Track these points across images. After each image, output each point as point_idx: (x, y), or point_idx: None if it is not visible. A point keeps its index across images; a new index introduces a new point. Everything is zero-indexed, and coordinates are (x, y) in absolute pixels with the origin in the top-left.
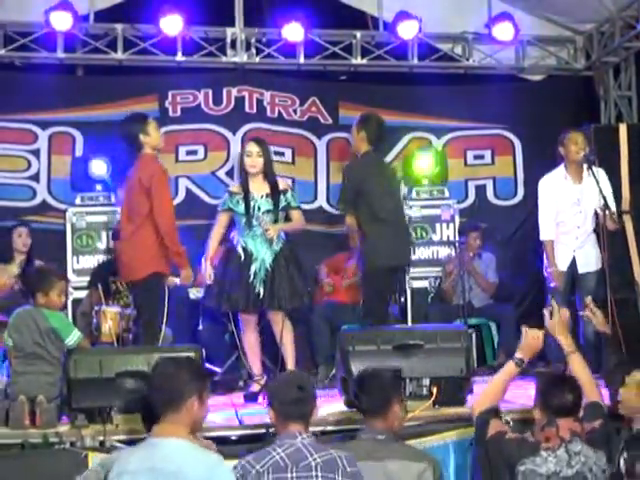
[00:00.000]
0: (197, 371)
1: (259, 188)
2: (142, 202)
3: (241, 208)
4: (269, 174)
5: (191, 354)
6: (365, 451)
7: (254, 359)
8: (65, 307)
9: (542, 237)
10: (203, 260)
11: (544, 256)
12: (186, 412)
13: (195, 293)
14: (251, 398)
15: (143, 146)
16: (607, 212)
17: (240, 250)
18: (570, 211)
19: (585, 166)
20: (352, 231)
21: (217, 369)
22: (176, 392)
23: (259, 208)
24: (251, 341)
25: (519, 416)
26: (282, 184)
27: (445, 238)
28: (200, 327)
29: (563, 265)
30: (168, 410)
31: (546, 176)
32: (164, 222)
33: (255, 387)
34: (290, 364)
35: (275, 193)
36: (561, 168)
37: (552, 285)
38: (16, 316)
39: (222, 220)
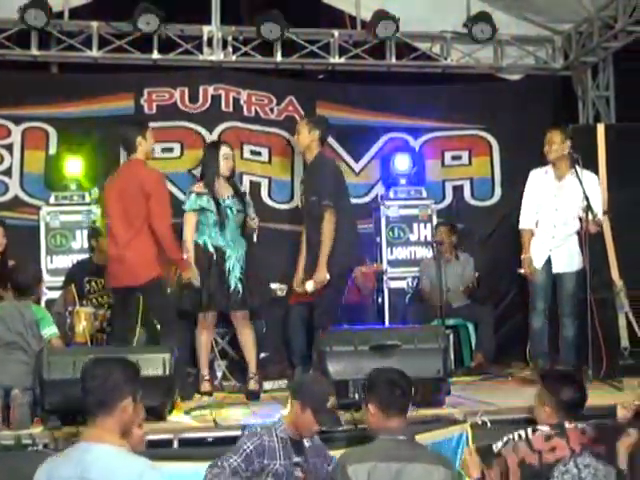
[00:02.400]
0: (131, 371)
1: (224, 189)
2: (141, 207)
3: (213, 207)
4: (231, 177)
5: (166, 355)
6: (385, 452)
7: (205, 358)
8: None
9: (520, 226)
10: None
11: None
12: (119, 415)
13: None
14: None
15: (136, 150)
16: (589, 214)
17: (211, 249)
18: (547, 207)
19: (568, 164)
20: (328, 229)
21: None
22: (108, 394)
23: (230, 208)
24: (204, 341)
25: (499, 417)
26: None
27: (422, 238)
28: None
29: (538, 262)
30: (99, 413)
31: (535, 169)
32: (163, 229)
33: (206, 385)
34: (252, 366)
35: (238, 194)
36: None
37: (520, 271)
38: (1, 308)
39: (192, 221)
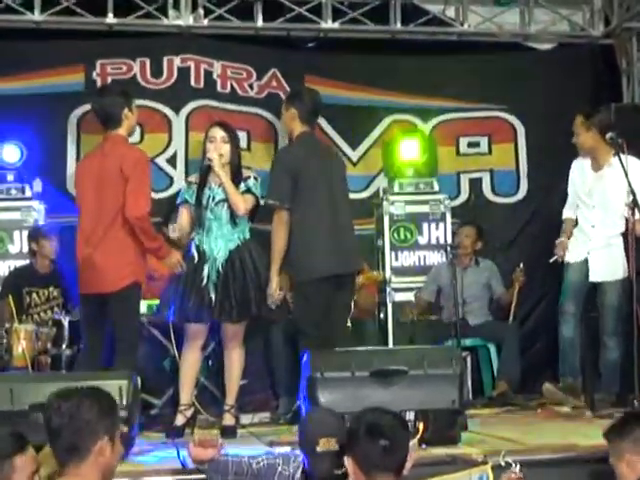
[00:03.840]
0: (105, 405)
1: (215, 177)
2: (119, 195)
3: (194, 199)
4: (233, 165)
5: (123, 382)
6: None
7: (187, 383)
8: None
9: (563, 215)
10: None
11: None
12: (94, 460)
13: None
14: (175, 434)
15: (121, 125)
16: (636, 212)
17: (194, 250)
18: (584, 204)
19: (607, 152)
20: (275, 235)
21: (155, 400)
22: (79, 436)
23: (213, 198)
24: (190, 360)
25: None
26: (245, 173)
27: (434, 241)
28: None
29: (572, 258)
30: (70, 459)
31: (576, 159)
32: (140, 219)
33: (180, 419)
34: (230, 397)
35: (235, 180)
36: None
37: (555, 258)
38: None
39: (184, 216)
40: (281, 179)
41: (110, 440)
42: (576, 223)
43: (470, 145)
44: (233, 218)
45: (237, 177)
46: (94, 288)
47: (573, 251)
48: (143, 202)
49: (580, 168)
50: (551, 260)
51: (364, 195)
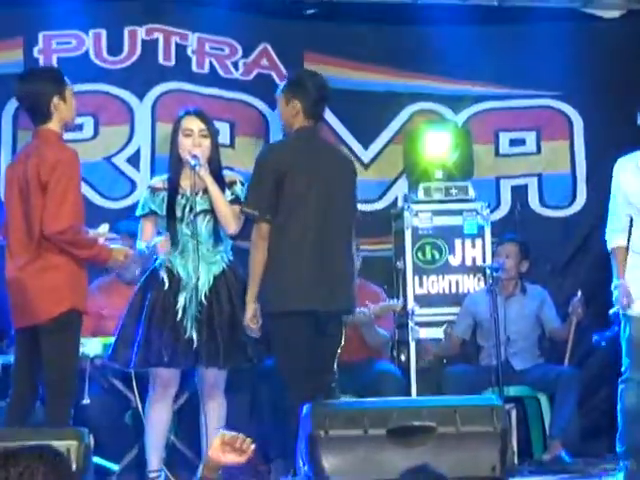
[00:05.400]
0: (65, 474)
1: (189, 180)
2: (41, 207)
3: (164, 210)
4: (213, 166)
5: (71, 442)
6: None
7: (155, 445)
8: None
9: (608, 243)
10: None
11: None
12: None
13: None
14: None
15: (50, 117)
16: None
17: (163, 274)
18: None
19: None
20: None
21: (113, 465)
22: None
23: (191, 208)
24: (158, 415)
25: None
26: (230, 178)
27: (469, 262)
28: (85, 401)
29: (637, 309)
30: None
31: (621, 159)
32: (63, 232)
33: None
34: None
35: (219, 186)
36: None
37: (616, 308)
38: None
39: (147, 228)
40: (262, 183)
41: None
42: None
43: (513, 143)
44: (216, 234)
45: (219, 183)
46: (26, 319)
47: (635, 290)
48: (65, 212)
49: (628, 171)
50: (611, 311)
51: (378, 206)
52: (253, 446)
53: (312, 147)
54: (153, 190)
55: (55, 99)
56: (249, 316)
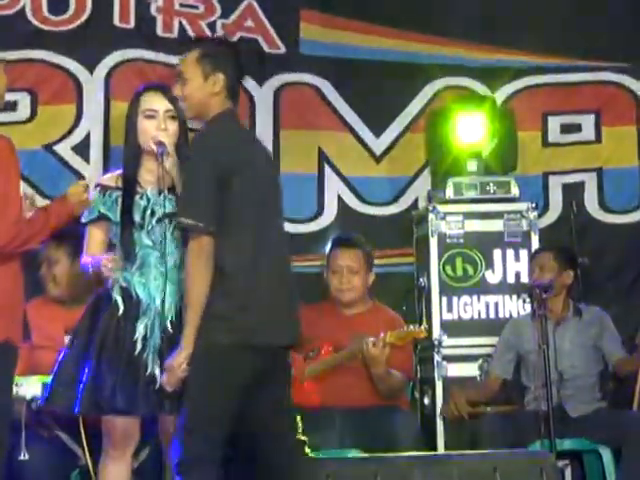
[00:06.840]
0: None
1: (150, 176)
2: None
3: (118, 215)
4: (183, 151)
5: None
6: None
7: None
8: None
9: None
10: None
11: None
12: None
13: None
14: None
15: None
16: None
17: (117, 295)
18: None
19: None
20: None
21: None
22: None
23: (152, 212)
24: (114, 475)
25: None
26: None
27: (512, 278)
28: (23, 456)
29: None
30: None
31: None
32: (4, 245)
33: None
34: None
35: None
36: None
37: None
38: None
39: (96, 237)
40: (203, 185)
41: None
42: None
43: (565, 128)
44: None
45: None
46: None
47: None
48: (5, 220)
49: None
50: None
51: (394, 210)
52: None
53: (245, 137)
54: (103, 189)
55: None
56: (182, 358)
